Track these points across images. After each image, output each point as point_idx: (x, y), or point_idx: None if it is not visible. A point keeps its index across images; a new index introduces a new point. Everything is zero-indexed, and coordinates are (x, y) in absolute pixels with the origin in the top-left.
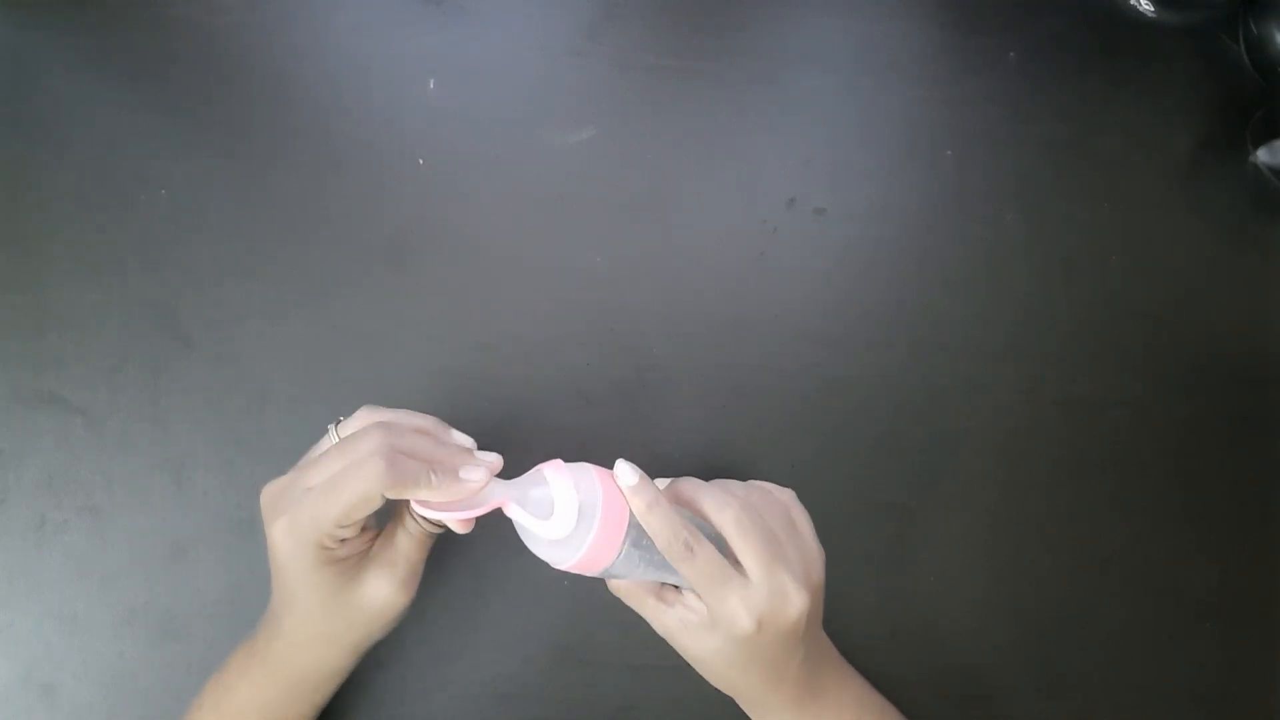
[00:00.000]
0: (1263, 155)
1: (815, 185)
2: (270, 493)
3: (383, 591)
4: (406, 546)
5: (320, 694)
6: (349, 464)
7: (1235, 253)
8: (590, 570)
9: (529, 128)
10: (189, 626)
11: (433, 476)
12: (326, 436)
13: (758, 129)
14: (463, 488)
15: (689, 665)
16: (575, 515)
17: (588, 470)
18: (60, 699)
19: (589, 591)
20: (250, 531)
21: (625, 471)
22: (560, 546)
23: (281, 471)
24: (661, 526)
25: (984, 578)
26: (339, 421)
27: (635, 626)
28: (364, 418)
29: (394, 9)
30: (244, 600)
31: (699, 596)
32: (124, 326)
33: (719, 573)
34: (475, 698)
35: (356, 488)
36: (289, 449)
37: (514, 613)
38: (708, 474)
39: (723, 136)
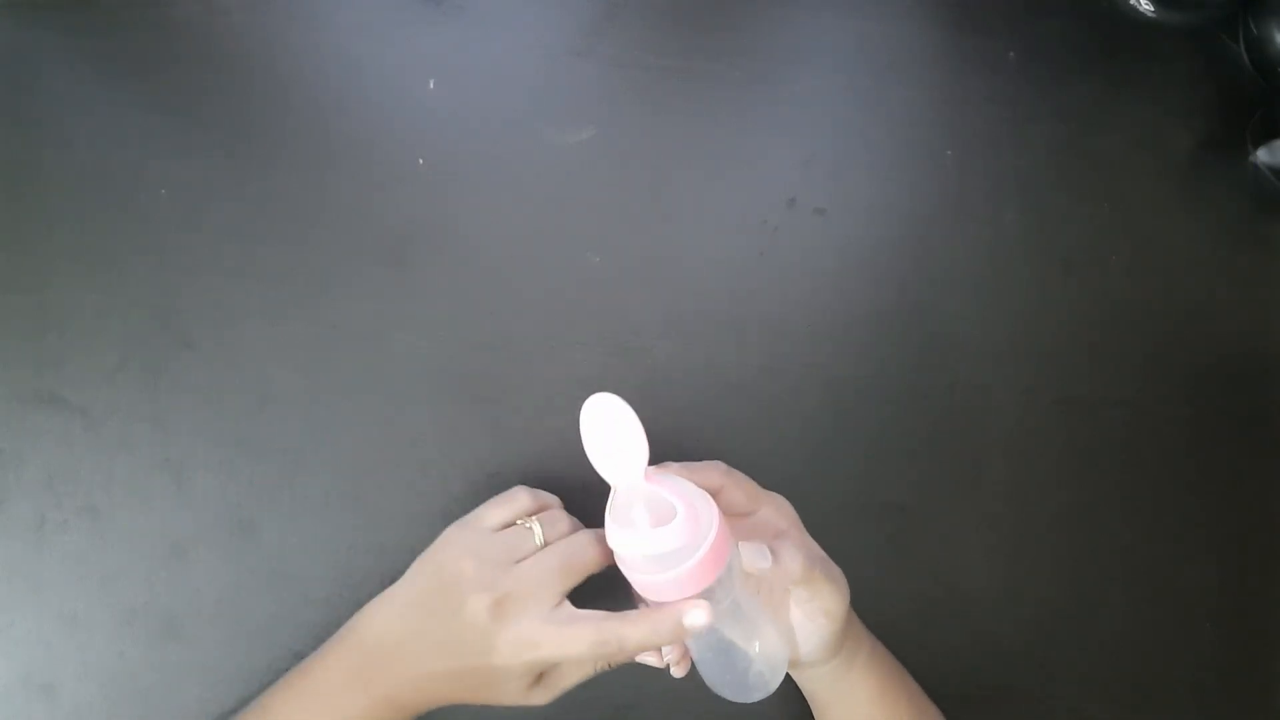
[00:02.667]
0: (1263, 155)
1: (815, 185)
2: (480, 583)
3: (535, 691)
4: (568, 666)
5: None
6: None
7: (1235, 253)
8: (690, 584)
9: (529, 128)
10: (189, 626)
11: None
12: (522, 530)
13: (758, 129)
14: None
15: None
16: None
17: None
18: (60, 699)
19: (589, 592)
20: (250, 531)
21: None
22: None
23: (281, 471)
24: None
25: (983, 577)
26: (534, 522)
27: None
28: (563, 523)
29: (394, 9)
30: (244, 600)
31: (801, 587)
32: (124, 326)
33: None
34: None
35: (594, 638)
36: (289, 449)
37: None
38: None
39: (723, 136)
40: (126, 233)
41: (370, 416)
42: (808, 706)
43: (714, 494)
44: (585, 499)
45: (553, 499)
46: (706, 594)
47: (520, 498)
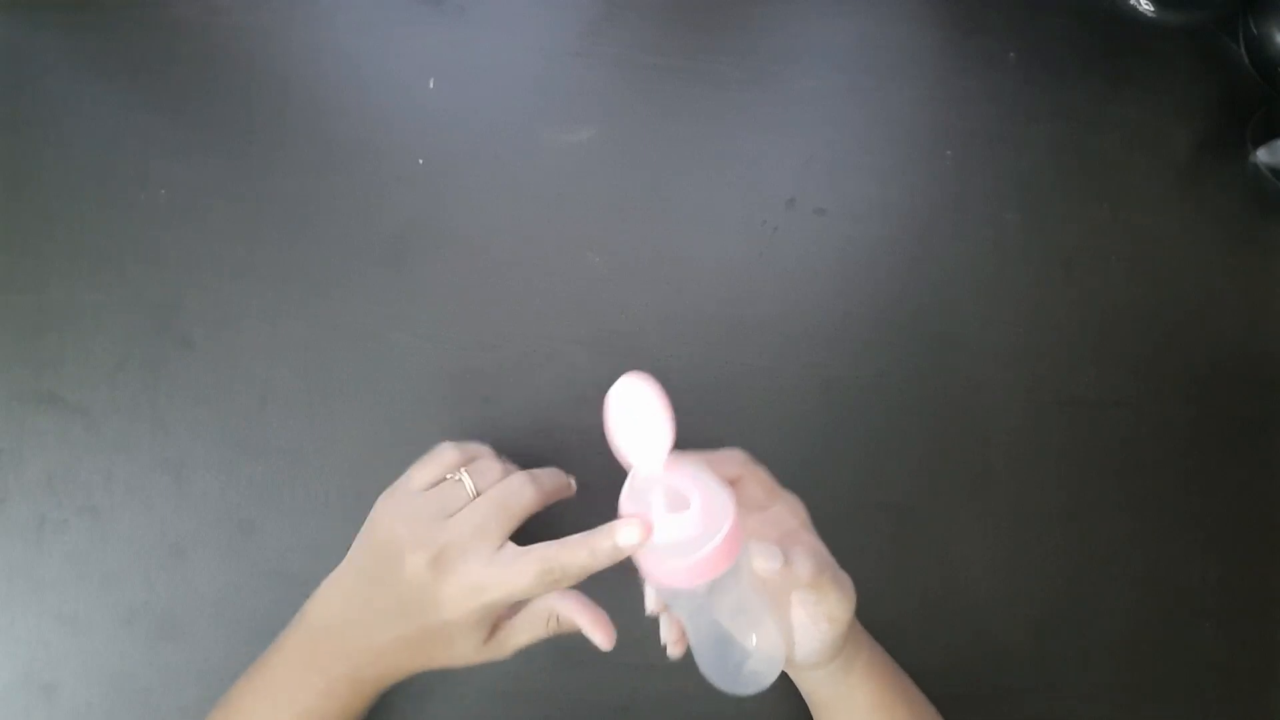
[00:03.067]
0: (1263, 155)
1: (815, 185)
2: (417, 541)
3: (489, 647)
4: (520, 622)
5: (372, 701)
6: (515, 521)
7: (1235, 253)
8: (701, 573)
9: (529, 128)
10: (189, 626)
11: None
12: (453, 483)
13: (758, 129)
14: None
15: (687, 664)
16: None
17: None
18: (60, 699)
19: (590, 592)
20: (250, 531)
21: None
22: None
23: (281, 470)
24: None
25: (983, 578)
26: (464, 472)
27: (635, 626)
28: (492, 470)
29: (394, 9)
30: (244, 600)
31: (808, 591)
32: (124, 326)
33: (817, 543)
34: (475, 698)
35: (531, 571)
36: (289, 449)
37: None
38: None
39: (723, 136)
40: (126, 233)
41: (370, 416)
42: (806, 707)
43: (732, 484)
44: (587, 498)
45: (482, 449)
46: (715, 585)
47: (446, 453)
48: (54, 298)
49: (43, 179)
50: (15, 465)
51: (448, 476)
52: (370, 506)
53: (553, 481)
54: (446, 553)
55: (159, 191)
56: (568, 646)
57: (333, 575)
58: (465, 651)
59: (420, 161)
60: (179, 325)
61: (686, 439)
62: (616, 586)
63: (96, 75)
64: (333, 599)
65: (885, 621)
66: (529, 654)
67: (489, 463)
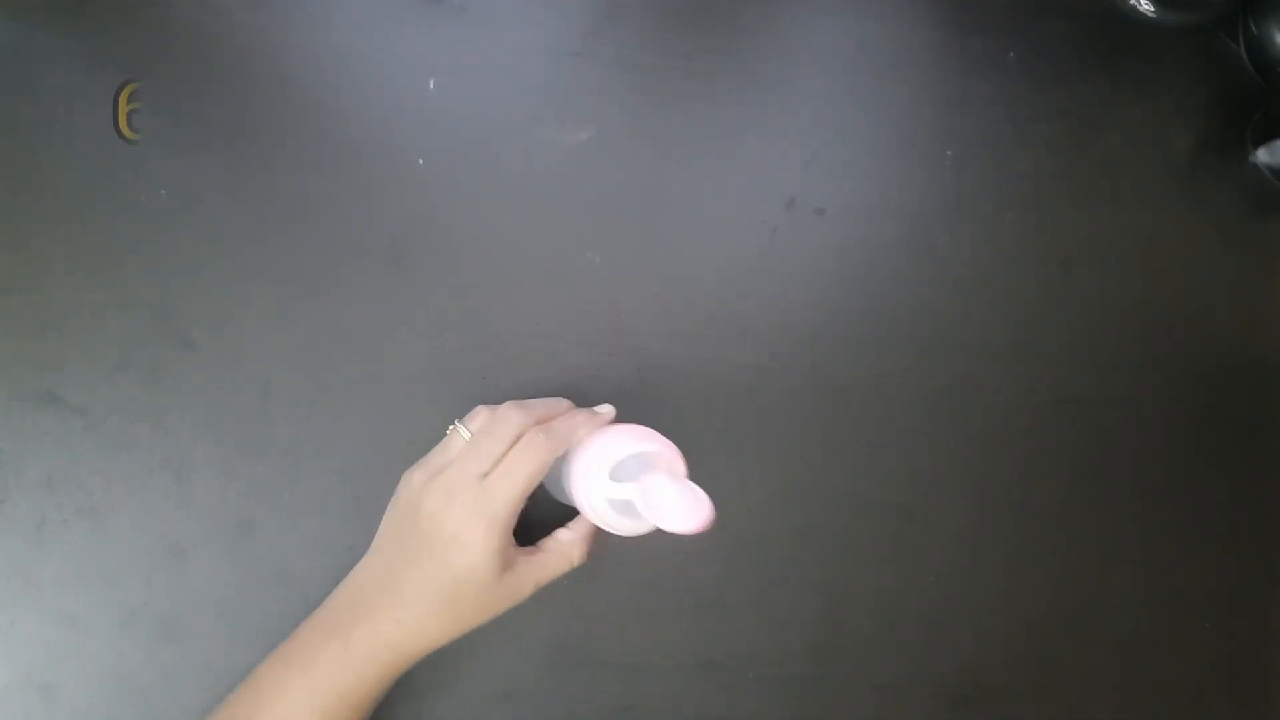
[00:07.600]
0: (1263, 155)
1: (815, 185)
2: (426, 485)
3: (507, 582)
4: (540, 562)
5: (397, 674)
6: (511, 446)
7: (1235, 253)
8: None
9: (529, 128)
10: (188, 626)
11: (579, 423)
12: (453, 434)
13: (758, 129)
14: (598, 417)
15: (689, 665)
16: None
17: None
18: (60, 699)
19: (589, 591)
20: (250, 531)
21: None
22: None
23: (281, 470)
24: None
25: (983, 578)
26: (457, 422)
27: (635, 626)
28: (484, 414)
29: (394, 9)
30: (244, 600)
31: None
32: (124, 326)
33: None
34: (475, 698)
35: (530, 459)
36: (289, 449)
37: (514, 613)
38: (708, 473)
39: (723, 136)
40: (126, 233)
41: (370, 416)
42: (802, 708)
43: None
44: None
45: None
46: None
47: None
48: (54, 298)
49: (43, 179)
50: (15, 465)
51: (447, 431)
52: (370, 506)
53: (545, 408)
54: (450, 480)
55: (159, 191)
56: (568, 646)
57: (362, 559)
58: (484, 581)
59: (420, 161)
60: (179, 325)
61: (685, 438)
62: (618, 588)
63: (96, 75)
64: (359, 573)
65: (885, 621)
66: (529, 654)
67: (480, 409)
